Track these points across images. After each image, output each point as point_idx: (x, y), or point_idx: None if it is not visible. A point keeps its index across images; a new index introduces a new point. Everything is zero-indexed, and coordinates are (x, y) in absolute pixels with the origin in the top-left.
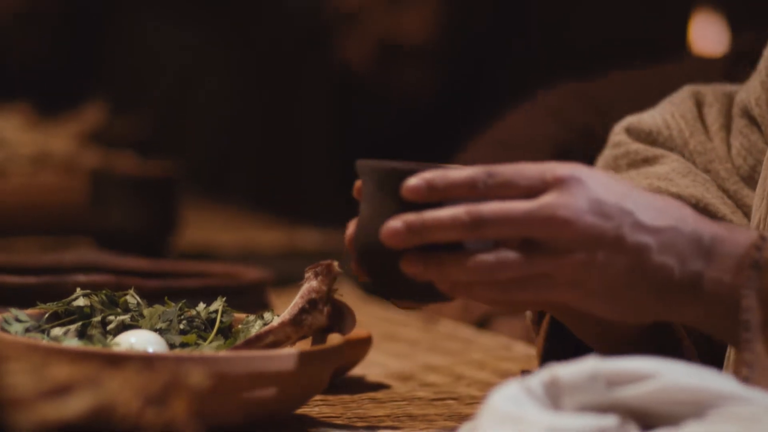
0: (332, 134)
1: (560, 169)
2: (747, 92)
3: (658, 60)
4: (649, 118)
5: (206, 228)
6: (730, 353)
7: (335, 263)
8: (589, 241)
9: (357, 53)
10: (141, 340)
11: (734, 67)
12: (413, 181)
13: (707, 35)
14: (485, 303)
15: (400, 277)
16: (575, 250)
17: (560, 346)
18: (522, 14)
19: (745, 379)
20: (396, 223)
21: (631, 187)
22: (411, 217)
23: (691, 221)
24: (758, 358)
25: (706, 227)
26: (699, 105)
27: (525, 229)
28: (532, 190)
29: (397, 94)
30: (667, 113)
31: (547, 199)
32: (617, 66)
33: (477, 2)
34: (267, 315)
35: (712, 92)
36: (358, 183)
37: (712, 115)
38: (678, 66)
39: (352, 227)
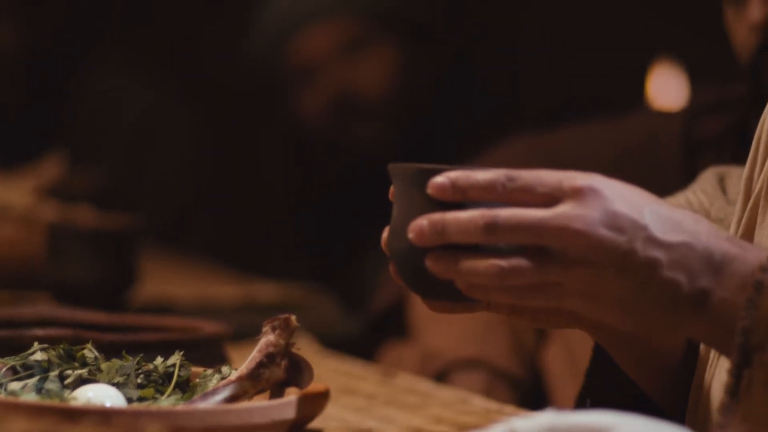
0: (290, 188)
1: (579, 179)
2: None
3: (615, 114)
4: (672, 200)
5: (164, 282)
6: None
7: (293, 317)
8: (601, 254)
9: (313, 107)
10: (99, 394)
11: (694, 121)
12: (439, 179)
13: (666, 89)
14: (501, 306)
15: (428, 276)
16: (587, 261)
17: (602, 385)
18: (479, 69)
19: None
20: (422, 221)
21: (649, 199)
22: (435, 216)
23: (704, 237)
24: (749, 385)
25: (719, 244)
26: (721, 178)
27: (539, 237)
28: (550, 198)
29: (354, 148)
30: (690, 192)
31: (562, 209)
32: (574, 120)
33: (433, 58)
34: (225, 369)
35: (736, 168)
36: (392, 188)
37: (733, 184)
38: (636, 120)
39: (386, 232)
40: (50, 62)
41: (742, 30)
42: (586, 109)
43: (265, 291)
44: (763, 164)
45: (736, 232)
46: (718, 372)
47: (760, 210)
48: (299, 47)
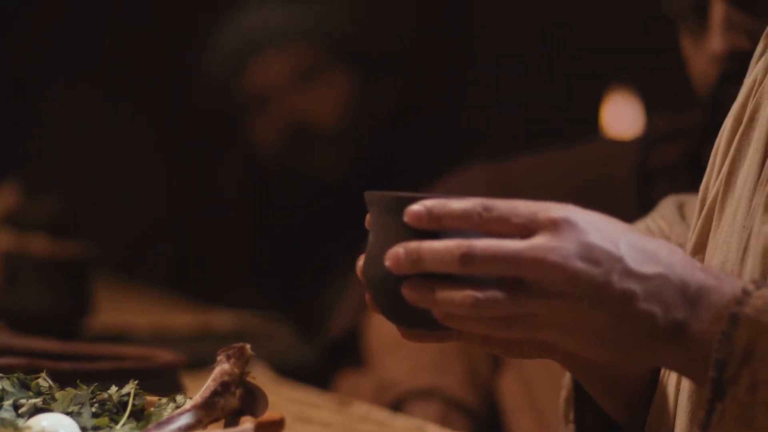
0: (246, 216)
1: (554, 210)
2: None
3: (570, 142)
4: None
5: (120, 310)
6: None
7: (248, 346)
8: (576, 286)
9: (268, 135)
10: (53, 424)
11: (648, 150)
12: (415, 207)
13: (620, 117)
14: (475, 336)
15: (404, 304)
16: (562, 293)
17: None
18: (434, 96)
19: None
20: (398, 249)
21: (624, 229)
22: (412, 244)
23: (679, 268)
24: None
25: (695, 275)
26: (680, 206)
27: (514, 268)
28: (525, 229)
29: (309, 175)
30: (649, 219)
31: (537, 241)
32: (529, 148)
33: (388, 85)
34: (179, 398)
35: (695, 196)
36: (368, 216)
37: (693, 211)
38: (591, 148)
39: (362, 259)
40: (6, 92)
41: (701, 60)
42: (541, 137)
43: (221, 319)
44: (719, 173)
45: (692, 240)
46: (681, 399)
47: (714, 217)
48: (254, 75)
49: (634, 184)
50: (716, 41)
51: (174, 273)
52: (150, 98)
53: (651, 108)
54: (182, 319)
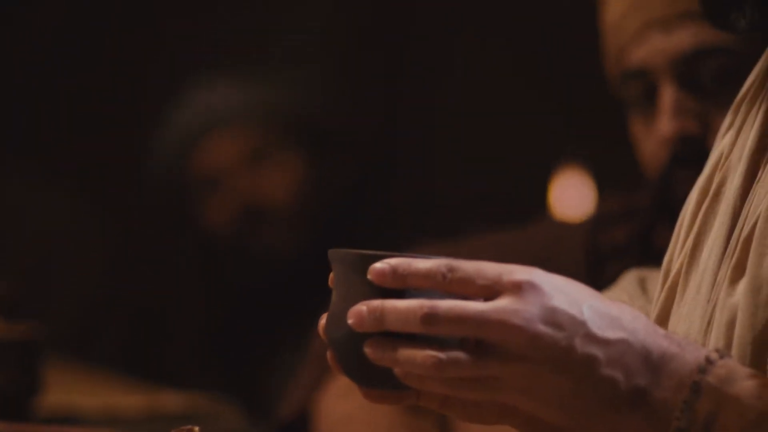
0: (196, 296)
1: (518, 273)
2: None
3: (520, 222)
4: None
5: (69, 391)
6: None
7: (196, 428)
8: (539, 350)
9: (220, 215)
10: None
11: (598, 230)
12: (379, 265)
13: (570, 197)
14: (434, 397)
15: (366, 363)
16: (525, 356)
17: None
18: (386, 173)
19: None
20: (362, 307)
21: (588, 294)
22: (375, 303)
23: (642, 334)
24: None
25: (657, 342)
26: (642, 280)
27: (477, 330)
28: (489, 291)
29: (261, 255)
30: (610, 292)
31: (501, 304)
32: (479, 227)
33: (339, 163)
34: None
35: (656, 270)
36: (331, 274)
37: (654, 286)
38: (540, 228)
39: (324, 318)
40: None
41: (650, 143)
42: (491, 216)
43: (171, 401)
44: (683, 246)
45: (654, 313)
46: None
47: (678, 290)
48: (205, 156)
49: (583, 266)
50: (666, 125)
51: (124, 353)
52: (100, 175)
53: (601, 188)
54: (132, 400)
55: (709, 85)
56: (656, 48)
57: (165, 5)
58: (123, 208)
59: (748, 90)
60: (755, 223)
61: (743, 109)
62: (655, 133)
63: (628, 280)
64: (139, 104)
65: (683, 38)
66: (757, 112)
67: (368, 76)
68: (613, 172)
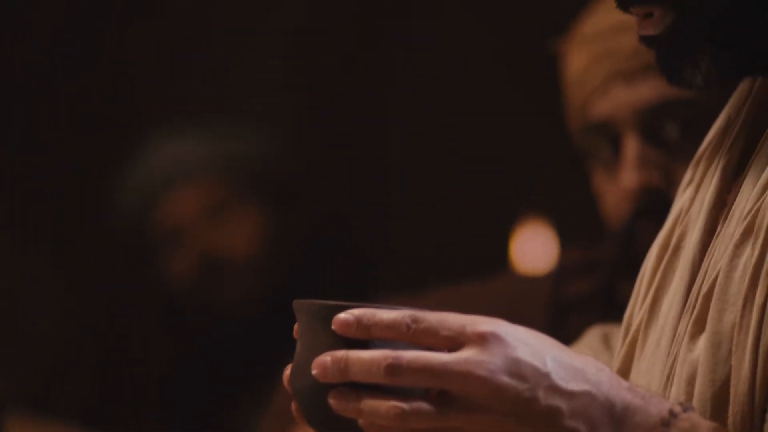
0: (159, 349)
1: (482, 324)
2: None
3: (482, 275)
4: None
5: None
6: None
7: None
8: (502, 401)
9: (180, 269)
10: None
11: (560, 284)
12: (343, 315)
13: (532, 250)
14: None
15: (330, 414)
16: (488, 408)
17: None
18: (347, 227)
19: None
20: (326, 357)
21: (552, 345)
22: (339, 353)
23: (606, 387)
24: None
25: (621, 394)
26: (605, 336)
27: (441, 381)
28: (453, 342)
29: (224, 307)
30: (574, 347)
31: (465, 355)
32: (441, 281)
33: (299, 218)
34: None
35: (620, 326)
36: (296, 325)
37: (617, 338)
38: (501, 282)
39: (288, 369)
40: None
41: (613, 195)
42: (454, 268)
43: None
44: (643, 300)
45: (615, 367)
46: None
47: (638, 344)
48: (166, 210)
49: (546, 319)
50: (630, 177)
51: (86, 406)
52: (61, 230)
53: (563, 241)
54: None
55: (673, 138)
56: (620, 100)
57: (126, 59)
58: (84, 260)
59: (707, 146)
60: (715, 279)
61: (702, 164)
62: (619, 186)
63: (592, 335)
64: (99, 157)
65: (647, 91)
66: (716, 169)
67: (330, 130)
68: (575, 224)
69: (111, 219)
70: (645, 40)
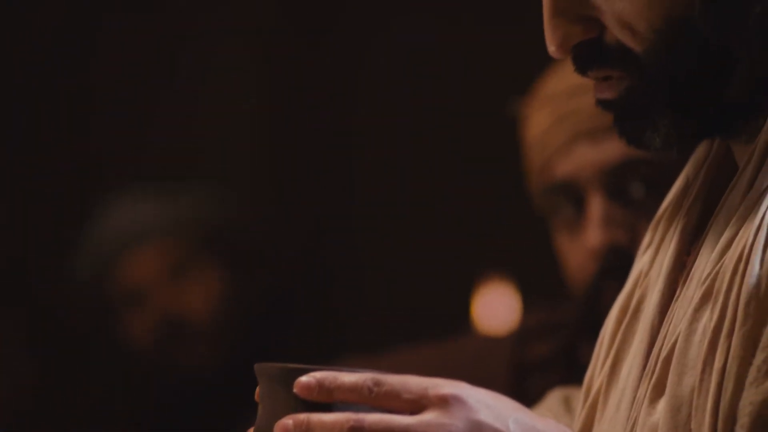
0: (119, 412)
1: (444, 387)
2: None
3: (441, 336)
4: None
5: None
6: None
7: None
8: None
9: (139, 331)
10: None
11: (522, 345)
12: (305, 378)
13: (494, 310)
14: None
15: None
16: None
17: None
18: (308, 288)
19: None
20: (287, 421)
21: (514, 408)
22: (301, 416)
23: None
24: None
25: None
26: (566, 399)
27: None
28: (415, 405)
29: (184, 370)
30: (536, 410)
31: (427, 418)
32: (400, 342)
33: (259, 278)
34: None
35: (580, 389)
36: (258, 388)
37: (578, 402)
38: (463, 343)
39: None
40: None
41: (577, 254)
42: (414, 330)
43: None
44: (604, 363)
45: (576, 430)
46: None
47: (599, 407)
48: (124, 272)
49: (507, 381)
50: (594, 236)
51: None
52: (18, 290)
53: (526, 301)
54: None
55: (637, 196)
56: (584, 160)
57: (84, 121)
58: (43, 321)
59: (666, 208)
60: (675, 343)
61: (661, 227)
62: (583, 245)
63: (553, 398)
64: (58, 219)
65: (612, 149)
66: (675, 231)
67: (291, 189)
68: (538, 284)
69: (70, 281)
70: (602, 103)
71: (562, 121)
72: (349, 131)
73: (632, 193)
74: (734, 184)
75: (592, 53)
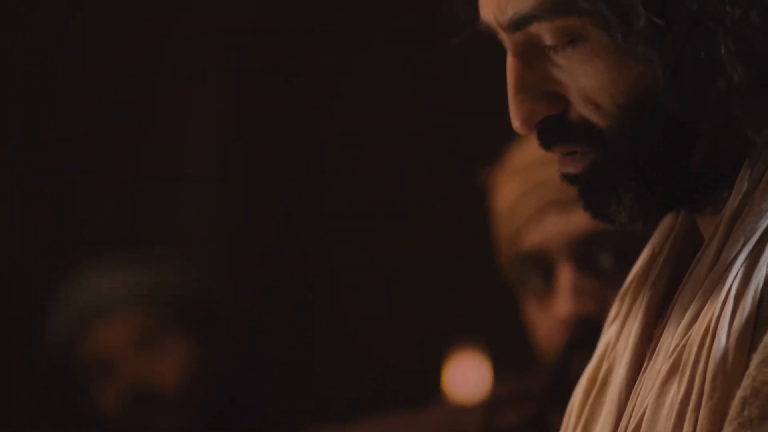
0: None
1: None
2: None
3: (412, 406)
4: None
5: None
6: None
7: None
8: None
9: (109, 400)
10: None
11: (492, 415)
12: None
13: (464, 380)
14: None
15: None
16: None
17: None
18: (276, 357)
19: None
20: None
21: None
22: None
23: None
24: None
25: None
26: None
27: None
28: None
29: None
30: None
31: None
32: (370, 411)
33: (228, 346)
34: None
35: None
36: None
37: None
38: (433, 413)
39: None
40: None
41: (547, 325)
42: (383, 399)
43: None
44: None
45: None
46: None
47: None
48: (93, 342)
49: None
50: (564, 307)
51: None
52: None
53: (496, 371)
54: None
55: (607, 266)
56: (554, 230)
57: (53, 191)
58: (12, 392)
59: (632, 280)
60: (642, 415)
61: (628, 298)
62: (552, 315)
63: None
64: (26, 289)
65: (580, 220)
66: (641, 303)
67: (260, 261)
68: (508, 354)
69: (39, 351)
70: (567, 177)
71: (531, 191)
72: (319, 201)
73: (601, 264)
74: (700, 256)
75: (557, 129)
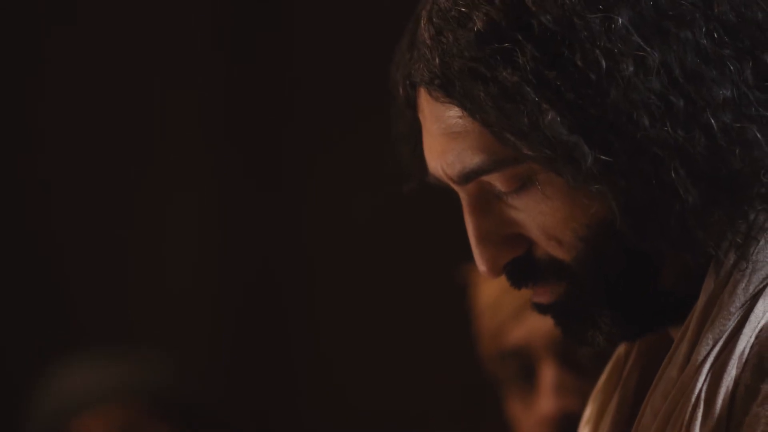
0: None
1: None
2: None
3: None
4: None
5: None
6: None
7: None
8: None
9: None
10: None
11: None
12: None
13: None
14: None
15: None
16: None
17: None
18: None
19: None
20: None
21: None
22: None
23: None
24: None
25: None
26: None
27: None
28: None
29: None
30: None
31: None
32: None
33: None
34: None
35: None
36: None
37: None
38: None
39: None
40: None
41: (529, 422)
42: None
43: None
44: None
45: None
46: None
47: None
48: None
49: None
50: (547, 404)
51: None
52: None
53: None
54: None
55: (588, 362)
56: (535, 327)
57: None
58: None
59: (603, 381)
60: None
61: (598, 400)
62: (536, 412)
63: None
64: (6, 385)
65: None
66: (612, 405)
67: (241, 352)
68: None
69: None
70: (539, 307)
71: (511, 289)
72: (296, 291)
73: (583, 360)
74: (670, 358)
75: (524, 269)
